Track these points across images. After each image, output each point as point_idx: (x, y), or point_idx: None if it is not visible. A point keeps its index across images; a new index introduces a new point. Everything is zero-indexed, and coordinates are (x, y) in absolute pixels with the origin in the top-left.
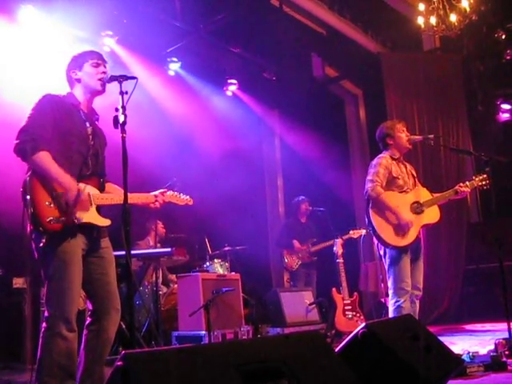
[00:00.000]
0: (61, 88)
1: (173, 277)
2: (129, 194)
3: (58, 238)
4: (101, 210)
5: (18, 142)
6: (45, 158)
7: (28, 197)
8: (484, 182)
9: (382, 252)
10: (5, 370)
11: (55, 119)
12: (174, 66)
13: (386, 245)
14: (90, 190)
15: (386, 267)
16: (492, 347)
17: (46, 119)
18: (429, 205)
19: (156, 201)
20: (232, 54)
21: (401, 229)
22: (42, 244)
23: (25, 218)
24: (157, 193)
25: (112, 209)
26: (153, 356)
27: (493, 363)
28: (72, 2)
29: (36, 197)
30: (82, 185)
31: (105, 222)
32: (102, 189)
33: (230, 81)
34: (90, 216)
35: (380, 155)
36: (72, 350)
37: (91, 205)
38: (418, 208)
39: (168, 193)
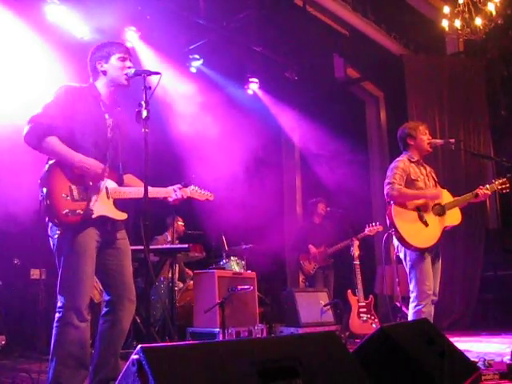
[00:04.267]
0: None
1: (190, 272)
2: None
3: (73, 229)
4: (118, 203)
5: (25, 131)
6: (52, 142)
7: (44, 189)
8: (504, 186)
9: (402, 255)
10: (21, 359)
11: (70, 110)
12: (196, 63)
13: (408, 246)
14: (107, 183)
15: (408, 270)
16: (508, 355)
17: (58, 110)
18: (450, 207)
19: (175, 195)
20: (254, 53)
21: (432, 200)
22: (57, 236)
23: (42, 209)
24: (175, 187)
25: (131, 202)
26: (169, 351)
27: (509, 372)
28: None
29: (52, 189)
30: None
31: (121, 216)
32: (120, 182)
33: (251, 79)
34: (107, 209)
35: (398, 158)
36: (84, 339)
37: (108, 198)
38: (439, 210)
39: (190, 188)
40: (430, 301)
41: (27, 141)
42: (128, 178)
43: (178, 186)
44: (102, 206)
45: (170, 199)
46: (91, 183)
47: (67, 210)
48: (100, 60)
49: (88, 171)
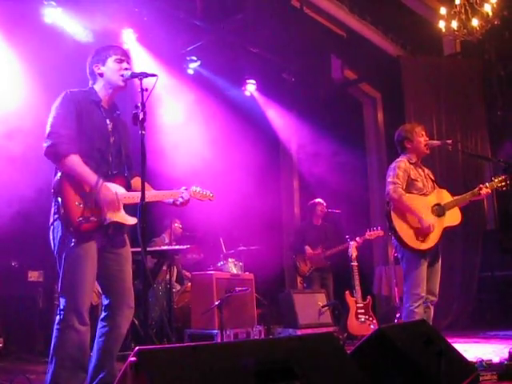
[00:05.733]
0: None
1: (187, 273)
2: (155, 191)
3: (81, 234)
4: (125, 208)
5: (48, 145)
6: (76, 162)
7: (59, 199)
8: (503, 183)
9: (400, 255)
10: (19, 361)
11: (78, 116)
12: (194, 65)
13: (406, 247)
14: (116, 189)
15: (404, 271)
16: (506, 356)
17: (71, 119)
18: (450, 207)
19: (182, 197)
20: (251, 54)
21: (422, 232)
22: (72, 244)
23: (58, 218)
24: (182, 189)
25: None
26: (166, 352)
27: (506, 372)
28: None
29: (66, 197)
30: (109, 184)
31: (131, 221)
32: (128, 187)
33: (248, 80)
34: (118, 215)
35: (398, 159)
36: (84, 342)
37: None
38: (439, 210)
39: (192, 188)
40: (423, 302)
41: (48, 156)
42: (135, 181)
43: (184, 187)
44: (113, 213)
45: (178, 202)
46: (106, 184)
47: (81, 218)
48: (97, 63)
49: (99, 200)
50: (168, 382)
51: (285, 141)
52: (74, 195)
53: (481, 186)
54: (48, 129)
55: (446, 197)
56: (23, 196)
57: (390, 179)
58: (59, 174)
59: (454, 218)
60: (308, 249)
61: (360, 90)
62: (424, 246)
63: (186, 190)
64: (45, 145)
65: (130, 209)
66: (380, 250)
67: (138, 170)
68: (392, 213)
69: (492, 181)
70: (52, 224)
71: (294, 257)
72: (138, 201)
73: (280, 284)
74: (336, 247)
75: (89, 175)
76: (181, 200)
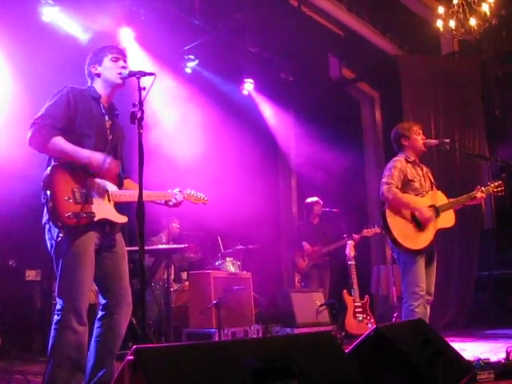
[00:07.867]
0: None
1: (184, 274)
2: (148, 191)
3: (73, 232)
4: (117, 205)
5: (30, 134)
6: (59, 142)
7: (48, 192)
8: (499, 189)
9: (396, 255)
10: (16, 360)
11: (72, 111)
12: (192, 64)
13: (400, 247)
14: (108, 186)
15: (401, 271)
16: (503, 355)
17: (60, 111)
18: (444, 209)
19: (175, 199)
20: (249, 54)
21: (421, 224)
22: (59, 238)
23: (45, 211)
24: (176, 191)
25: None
26: (164, 351)
27: (504, 371)
28: None
29: (56, 191)
30: (101, 181)
31: (122, 219)
32: (120, 185)
33: (246, 79)
34: (108, 212)
35: (395, 158)
36: (82, 343)
37: (109, 201)
38: (433, 212)
39: (186, 191)
40: (424, 301)
41: (32, 145)
42: (127, 182)
43: (178, 189)
44: (103, 209)
45: (170, 203)
46: (98, 180)
47: (70, 213)
48: (94, 64)
49: (97, 168)
50: (165, 381)
51: (282, 140)
52: (64, 189)
53: (477, 189)
54: (33, 119)
55: (441, 199)
56: (20, 195)
57: (384, 179)
58: (49, 167)
59: (448, 220)
60: (306, 245)
61: (358, 89)
62: (417, 246)
63: (179, 192)
64: (28, 134)
65: (123, 208)
66: (378, 250)
67: (128, 174)
68: (387, 213)
69: (488, 185)
70: (46, 223)
71: (292, 254)
72: (130, 199)
73: (278, 283)
74: (334, 243)
75: (76, 150)
76: (174, 201)
